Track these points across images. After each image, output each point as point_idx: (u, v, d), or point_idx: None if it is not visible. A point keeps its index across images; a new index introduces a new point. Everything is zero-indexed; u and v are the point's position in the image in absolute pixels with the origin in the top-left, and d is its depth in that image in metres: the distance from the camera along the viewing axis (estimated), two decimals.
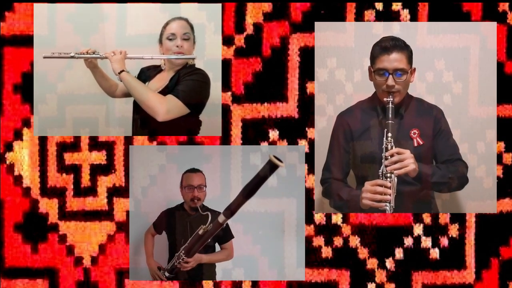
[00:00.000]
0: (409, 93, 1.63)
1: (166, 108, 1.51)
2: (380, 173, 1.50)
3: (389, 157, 1.48)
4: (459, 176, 1.58)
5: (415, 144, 1.58)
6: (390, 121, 1.51)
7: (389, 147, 1.50)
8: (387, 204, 1.47)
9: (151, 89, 1.58)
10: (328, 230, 1.60)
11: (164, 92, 1.58)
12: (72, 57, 1.60)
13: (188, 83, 1.56)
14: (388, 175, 1.48)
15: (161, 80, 1.66)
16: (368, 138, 1.61)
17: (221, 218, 1.46)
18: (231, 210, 1.43)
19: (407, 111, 1.60)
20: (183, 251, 1.61)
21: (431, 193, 1.67)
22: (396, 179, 1.48)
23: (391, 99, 1.52)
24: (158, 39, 1.67)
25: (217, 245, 1.80)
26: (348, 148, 1.64)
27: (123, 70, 1.55)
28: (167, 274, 1.67)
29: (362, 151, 1.61)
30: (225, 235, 1.77)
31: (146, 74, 1.73)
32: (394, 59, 1.52)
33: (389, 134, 1.50)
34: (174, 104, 1.52)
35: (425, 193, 1.62)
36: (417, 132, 1.59)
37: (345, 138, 1.64)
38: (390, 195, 1.46)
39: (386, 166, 1.48)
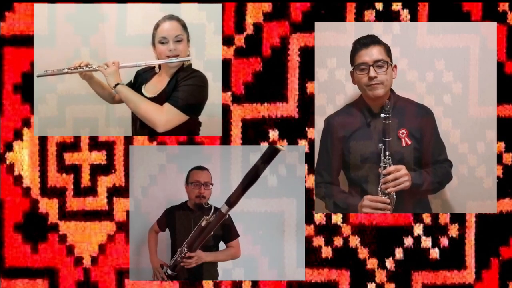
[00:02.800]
0: (396, 94, 1.64)
1: (164, 119, 1.51)
2: (379, 190, 1.53)
3: (386, 175, 1.51)
4: (446, 179, 1.64)
5: (403, 144, 1.58)
6: (387, 139, 1.52)
7: (388, 165, 1.52)
8: None
9: (148, 100, 1.56)
10: (328, 230, 1.60)
11: (161, 96, 1.57)
12: (65, 72, 1.60)
13: (186, 89, 1.55)
14: (387, 191, 1.52)
15: (158, 82, 1.64)
16: (357, 140, 1.61)
17: (224, 208, 1.46)
18: (232, 200, 1.43)
19: (394, 111, 1.60)
20: (185, 245, 1.60)
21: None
22: (395, 195, 1.52)
23: (388, 114, 1.50)
24: (151, 42, 1.64)
25: (221, 244, 1.79)
26: (336, 152, 1.64)
27: (118, 84, 1.55)
28: (169, 272, 1.66)
29: (351, 153, 1.62)
30: (230, 233, 1.76)
31: (143, 77, 1.71)
32: (372, 52, 1.54)
33: (387, 153, 1.51)
34: (172, 114, 1.52)
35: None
36: (405, 132, 1.59)
37: (333, 142, 1.64)
38: (389, 210, 1.52)
39: (383, 184, 1.52)
